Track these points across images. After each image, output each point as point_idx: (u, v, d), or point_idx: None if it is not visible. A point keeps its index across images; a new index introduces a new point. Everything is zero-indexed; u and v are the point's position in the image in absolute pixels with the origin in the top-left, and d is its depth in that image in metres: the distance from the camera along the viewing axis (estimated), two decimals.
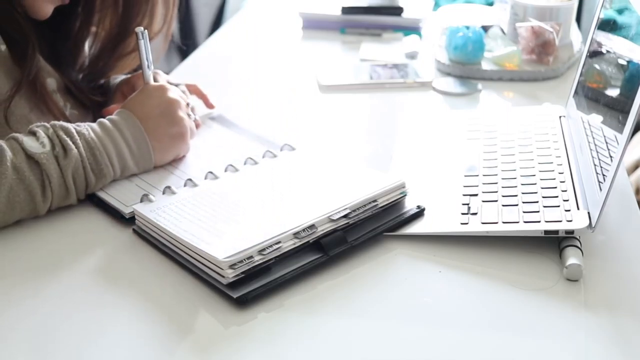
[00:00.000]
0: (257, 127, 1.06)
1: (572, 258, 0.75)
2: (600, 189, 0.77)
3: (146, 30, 0.94)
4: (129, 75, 1.08)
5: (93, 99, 1.04)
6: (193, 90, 1.10)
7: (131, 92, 1.04)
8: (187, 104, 0.98)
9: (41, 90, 0.94)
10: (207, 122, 1.08)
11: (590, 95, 0.96)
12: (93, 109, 1.04)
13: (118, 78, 1.09)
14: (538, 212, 0.81)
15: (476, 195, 0.86)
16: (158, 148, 0.91)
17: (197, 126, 1.03)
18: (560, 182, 0.86)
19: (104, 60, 1.05)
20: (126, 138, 0.88)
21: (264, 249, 0.73)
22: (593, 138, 0.87)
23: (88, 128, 0.86)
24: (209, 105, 1.11)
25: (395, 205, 0.84)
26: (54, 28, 1.00)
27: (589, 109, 0.94)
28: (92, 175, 0.85)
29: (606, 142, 0.81)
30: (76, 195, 0.85)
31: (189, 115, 0.97)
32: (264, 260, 0.73)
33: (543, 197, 0.83)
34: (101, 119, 0.89)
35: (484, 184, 0.89)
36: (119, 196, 0.87)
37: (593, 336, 0.68)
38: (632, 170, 1.52)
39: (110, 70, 1.08)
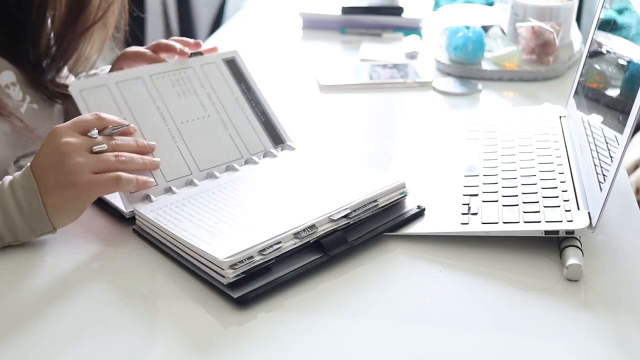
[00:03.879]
0: None
1: (573, 258, 0.75)
2: (601, 189, 0.77)
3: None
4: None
5: (55, 90, 0.99)
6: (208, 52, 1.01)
7: None
8: (111, 134, 0.82)
9: None
10: None
11: (591, 96, 0.96)
12: (62, 100, 1.00)
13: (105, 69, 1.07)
14: (538, 212, 0.81)
15: (476, 195, 0.86)
16: (50, 204, 0.77)
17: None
18: (561, 182, 0.86)
19: (68, 37, 0.99)
20: (17, 197, 0.77)
21: (264, 249, 0.73)
22: (593, 138, 0.87)
23: None
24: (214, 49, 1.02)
25: (396, 205, 0.84)
26: (9, 17, 0.95)
27: (589, 109, 0.94)
28: None
29: (606, 142, 0.81)
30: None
31: (101, 151, 0.79)
32: (264, 260, 0.73)
33: (543, 197, 0.83)
34: (7, 176, 0.79)
35: (484, 184, 0.89)
36: (119, 196, 0.87)
37: (593, 336, 0.68)
38: (632, 170, 1.53)
39: (76, 48, 1.01)
